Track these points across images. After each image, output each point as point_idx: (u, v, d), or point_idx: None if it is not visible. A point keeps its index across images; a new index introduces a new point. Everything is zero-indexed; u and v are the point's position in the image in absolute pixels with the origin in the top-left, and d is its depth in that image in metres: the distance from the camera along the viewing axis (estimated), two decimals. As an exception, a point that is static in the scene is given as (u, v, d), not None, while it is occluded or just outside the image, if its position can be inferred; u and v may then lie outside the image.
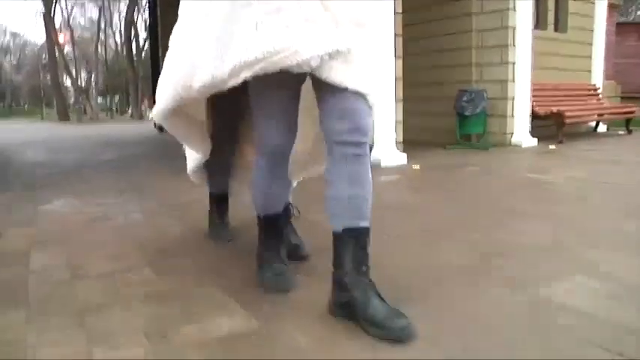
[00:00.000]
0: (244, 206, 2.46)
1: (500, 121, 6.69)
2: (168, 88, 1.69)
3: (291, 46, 1.38)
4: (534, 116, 7.11)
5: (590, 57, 8.78)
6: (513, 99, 6.64)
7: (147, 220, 2.98)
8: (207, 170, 2.40)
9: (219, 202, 2.50)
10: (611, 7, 9.85)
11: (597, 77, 8.87)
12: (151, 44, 13.88)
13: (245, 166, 2.40)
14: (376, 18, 1.60)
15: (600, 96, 8.69)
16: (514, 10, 6.48)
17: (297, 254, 2.06)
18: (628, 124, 8.46)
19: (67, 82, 37.92)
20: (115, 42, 41.28)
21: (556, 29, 8.22)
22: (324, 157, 1.73)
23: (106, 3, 35.79)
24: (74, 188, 4.19)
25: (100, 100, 44.50)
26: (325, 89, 1.51)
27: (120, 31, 37.93)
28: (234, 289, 1.80)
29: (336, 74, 1.46)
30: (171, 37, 1.77)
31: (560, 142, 6.84)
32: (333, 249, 1.55)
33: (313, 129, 1.96)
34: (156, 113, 1.80)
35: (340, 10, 1.45)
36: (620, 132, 8.54)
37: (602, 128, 8.98)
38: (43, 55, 38.76)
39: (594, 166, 4.74)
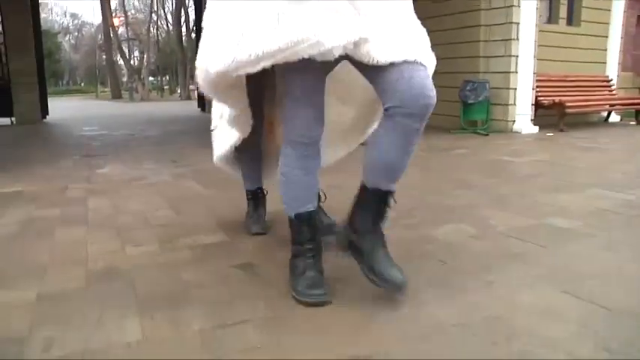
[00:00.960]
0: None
1: (504, 109, 7.30)
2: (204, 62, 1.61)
3: (313, 37, 1.37)
4: (539, 105, 7.67)
5: (605, 49, 9.17)
6: (515, 89, 7.22)
7: (173, 180, 3.86)
8: (240, 160, 2.42)
9: (256, 197, 2.48)
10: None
11: (612, 69, 9.25)
12: (197, 28, 14.88)
13: (276, 152, 2.31)
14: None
15: (613, 87, 9.09)
16: (518, 6, 7.04)
17: (332, 231, 2.06)
18: (638, 115, 8.86)
19: (122, 61, 39.65)
20: (167, 23, 42.72)
21: (569, 23, 8.66)
22: (354, 137, 2.05)
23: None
24: (121, 157, 5.14)
25: (151, 79, 46.23)
26: (375, 69, 1.50)
27: (172, 12, 39.23)
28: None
29: (377, 54, 1.46)
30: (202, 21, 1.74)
31: (562, 130, 7.38)
32: (357, 194, 1.65)
33: (336, 109, 1.97)
34: (199, 65, 1.66)
35: (363, 3, 1.45)
36: (631, 122, 8.94)
37: (616, 118, 9.38)
38: (99, 36, 40.57)
39: (568, 152, 5.35)
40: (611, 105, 8.84)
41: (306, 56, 1.41)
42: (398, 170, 1.59)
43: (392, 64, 1.47)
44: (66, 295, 1.69)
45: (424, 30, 1.58)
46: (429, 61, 1.55)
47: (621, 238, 2.30)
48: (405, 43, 1.49)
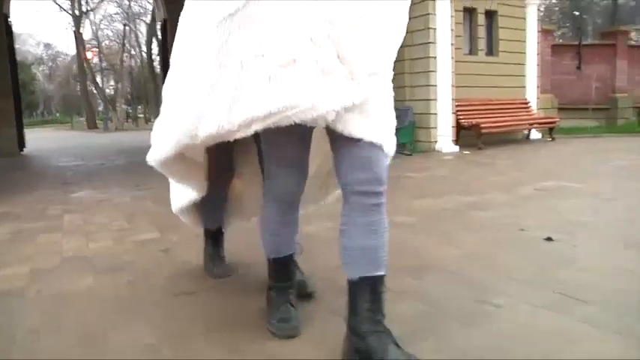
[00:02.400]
0: (238, 234, 2.72)
1: (427, 131, 8.45)
2: (169, 137, 1.62)
3: (307, 101, 1.34)
4: (461, 127, 8.84)
5: (523, 75, 10.43)
6: (436, 114, 8.39)
7: (132, 201, 4.85)
8: (202, 207, 2.35)
9: (215, 236, 2.48)
10: (546, 32, 11.47)
11: (531, 92, 10.51)
12: (162, 61, 15.85)
13: (235, 198, 2.47)
14: (390, 66, 1.54)
15: (532, 108, 10.34)
16: (435, 43, 8.24)
17: (303, 291, 2.05)
18: (551, 132, 10.10)
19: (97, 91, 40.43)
20: (141, 53, 43.65)
21: (489, 54, 9.91)
22: (329, 187, 2.07)
23: (130, 19, 38.09)
24: (92, 184, 6.11)
25: (126, 107, 46.95)
26: (342, 140, 1.51)
27: (144, 42, 40.20)
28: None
29: (353, 126, 1.46)
30: (165, 82, 1.73)
31: (480, 148, 8.55)
32: (348, 295, 1.57)
33: (315, 161, 1.94)
34: (153, 159, 1.74)
35: (357, 61, 1.40)
36: (549, 139, 10.17)
37: (537, 135, 10.61)
38: (74, 66, 41.32)
39: (464, 167, 6.47)
40: (530, 124, 10.09)
41: (297, 121, 1.37)
42: (375, 252, 1.53)
43: (361, 140, 1.48)
44: (48, 269, 2.68)
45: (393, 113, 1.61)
46: (391, 147, 1.56)
47: (434, 227, 3.35)
48: (380, 123, 1.51)
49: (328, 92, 1.37)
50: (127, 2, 36.08)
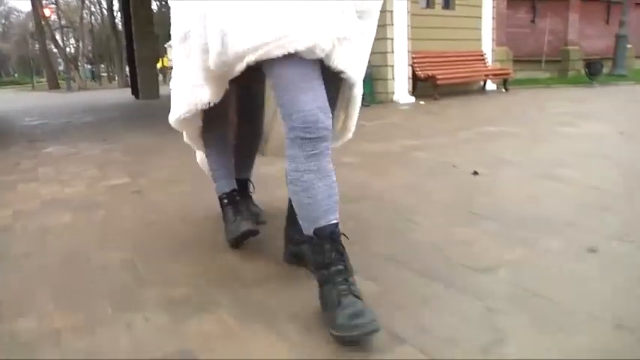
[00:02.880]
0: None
1: (384, 83, 8.81)
2: (194, 80, 1.79)
3: (302, 29, 1.38)
4: (418, 79, 9.22)
5: (479, 28, 10.79)
6: (393, 66, 8.73)
7: (102, 153, 5.12)
8: (208, 147, 2.22)
9: (231, 202, 2.16)
10: (501, -16, 11.81)
11: (487, 45, 10.90)
12: (124, 17, 15.59)
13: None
14: (378, 10, 1.62)
15: (487, 60, 10.75)
16: (392, -2, 8.51)
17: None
18: (505, 83, 10.56)
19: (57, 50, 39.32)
20: (101, 10, 42.38)
21: (445, 7, 10.22)
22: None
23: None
24: (60, 140, 6.32)
25: (89, 67, 45.83)
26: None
27: (104, -2, 39.02)
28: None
29: (342, 61, 1.49)
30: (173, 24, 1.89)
31: (435, 99, 8.96)
32: (288, 208, 1.83)
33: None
34: (175, 120, 2.02)
35: (348, 4, 1.47)
36: (502, 90, 10.64)
37: (492, 87, 11.07)
38: (30, 24, 39.96)
39: (415, 116, 6.90)
40: (486, 76, 10.52)
41: (291, 51, 1.38)
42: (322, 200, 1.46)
43: (339, 78, 1.57)
44: (30, 210, 2.99)
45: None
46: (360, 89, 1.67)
47: (376, 165, 3.75)
48: (361, 62, 1.59)
49: (323, 22, 1.40)
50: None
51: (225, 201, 2.18)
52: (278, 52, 1.38)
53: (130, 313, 1.60)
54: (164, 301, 1.68)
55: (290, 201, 1.66)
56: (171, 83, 2.00)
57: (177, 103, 1.95)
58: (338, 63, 1.48)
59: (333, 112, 1.59)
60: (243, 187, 2.41)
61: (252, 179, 2.51)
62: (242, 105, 2.28)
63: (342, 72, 1.51)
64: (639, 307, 1.51)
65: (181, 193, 3.19)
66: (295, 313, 1.55)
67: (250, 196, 2.48)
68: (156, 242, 2.32)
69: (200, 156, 2.43)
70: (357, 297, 1.39)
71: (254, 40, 1.39)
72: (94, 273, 1.98)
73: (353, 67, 1.53)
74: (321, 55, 1.43)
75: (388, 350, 1.33)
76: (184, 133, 2.25)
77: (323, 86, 1.48)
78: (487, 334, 1.38)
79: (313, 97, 1.43)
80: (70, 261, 2.12)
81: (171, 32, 1.90)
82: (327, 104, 1.47)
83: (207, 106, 1.87)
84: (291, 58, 1.40)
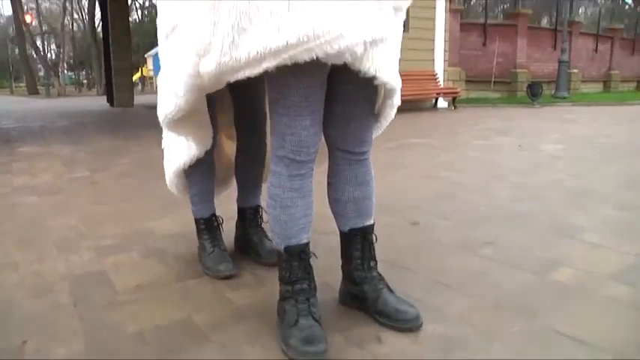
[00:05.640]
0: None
1: (339, 99, 9.57)
2: (175, 87, 1.51)
3: (335, 29, 1.16)
4: (371, 96, 10.01)
5: (432, 50, 11.68)
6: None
7: (71, 153, 5.80)
8: (189, 178, 2.01)
9: (208, 228, 2.06)
10: (455, 10, 12.76)
11: (439, 65, 11.79)
12: (103, 28, 16.23)
13: (226, 165, 2.21)
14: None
15: (438, 80, 11.64)
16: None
17: (260, 256, 2.06)
18: (454, 101, 11.45)
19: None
20: (83, 17, 42.69)
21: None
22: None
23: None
24: (36, 141, 6.98)
25: (69, 73, 46.06)
26: (353, 86, 1.42)
27: (86, 4, 39.36)
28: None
29: (372, 65, 1.31)
30: (161, 16, 1.59)
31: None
32: (340, 245, 1.64)
33: None
34: (164, 114, 1.62)
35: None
36: (452, 108, 11.52)
37: (444, 104, 11.94)
38: (10, 29, 40.14)
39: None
40: (437, 94, 11.40)
41: (321, 55, 1.18)
42: (363, 203, 1.55)
43: (377, 86, 1.42)
44: (1, 193, 3.67)
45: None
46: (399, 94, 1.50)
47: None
48: (394, 64, 1.41)
49: (358, 20, 1.20)
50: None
51: (202, 227, 2.06)
52: (305, 57, 1.18)
53: (68, 253, 2.32)
54: (94, 247, 2.40)
55: (343, 235, 1.61)
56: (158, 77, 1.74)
57: (160, 103, 1.67)
58: (370, 67, 1.30)
59: (365, 129, 1.52)
60: (252, 216, 2.15)
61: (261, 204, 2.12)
62: (242, 117, 2.04)
63: (375, 77, 1.33)
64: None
65: (129, 183, 3.91)
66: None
67: (262, 229, 2.12)
68: (100, 214, 3.03)
69: (170, 179, 2.05)
70: (316, 319, 1.42)
71: (277, 39, 1.16)
72: (47, 231, 2.69)
73: (388, 71, 1.35)
74: (348, 59, 1.26)
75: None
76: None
77: (323, 101, 1.42)
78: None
79: (311, 121, 1.38)
80: (30, 226, 2.82)
81: (157, 27, 1.64)
82: (321, 124, 1.45)
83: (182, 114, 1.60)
84: (306, 65, 1.22)
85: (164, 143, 2.02)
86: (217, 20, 1.25)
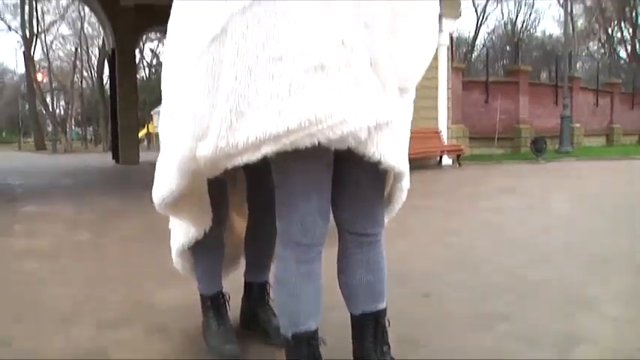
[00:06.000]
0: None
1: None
2: (171, 170, 1.41)
3: (338, 114, 1.11)
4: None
5: (436, 108, 11.82)
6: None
7: (74, 214, 5.77)
8: (195, 254, 1.89)
9: (214, 306, 1.96)
10: (457, 69, 13.01)
11: (442, 123, 11.89)
12: (111, 88, 16.56)
13: (236, 243, 2.12)
14: (417, 82, 1.40)
15: (442, 137, 11.71)
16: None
17: (269, 336, 1.94)
18: (458, 159, 11.48)
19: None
20: (92, 75, 43.69)
21: (403, 89, 11.24)
22: None
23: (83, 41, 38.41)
24: (40, 200, 6.98)
25: (76, 129, 46.77)
26: (358, 169, 1.35)
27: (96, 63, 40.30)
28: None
29: (387, 149, 1.24)
30: (161, 112, 1.53)
31: (390, 171, 9.77)
32: (351, 328, 1.55)
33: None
34: (158, 198, 1.49)
35: (390, 72, 1.24)
36: (457, 165, 11.54)
37: (448, 161, 11.96)
38: (23, 85, 41.11)
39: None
40: (441, 152, 11.44)
41: (323, 140, 1.13)
42: (374, 286, 1.48)
43: (384, 171, 1.35)
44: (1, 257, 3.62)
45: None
46: (407, 175, 1.43)
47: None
48: (403, 147, 1.36)
49: (362, 104, 1.16)
50: (80, 24, 36.55)
51: (208, 304, 1.96)
52: (307, 142, 1.13)
53: (68, 328, 2.23)
54: (95, 321, 2.31)
55: (354, 318, 1.53)
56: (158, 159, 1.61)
57: (156, 186, 1.54)
58: (374, 152, 1.23)
59: (375, 212, 1.47)
60: (259, 292, 2.07)
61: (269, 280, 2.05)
62: (254, 192, 1.97)
63: (380, 162, 1.26)
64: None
65: (132, 249, 3.84)
66: None
67: (270, 307, 2.01)
68: (101, 283, 2.95)
69: (175, 259, 1.96)
70: None
71: (277, 124, 1.12)
72: (46, 301, 2.60)
73: (394, 155, 1.28)
74: (352, 144, 1.20)
75: None
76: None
77: (330, 182, 1.37)
78: None
79: (318, 204, 1.34)
80: (29, 293, 2.73)
81: (161, 109, 1.56)
82: (329, 206, 1.40)
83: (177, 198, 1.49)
84: (308, 149, 1.17)
85: (170, 224, 1.92)
86: (215, 103, 1.19)
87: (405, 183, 1.46)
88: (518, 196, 6.45)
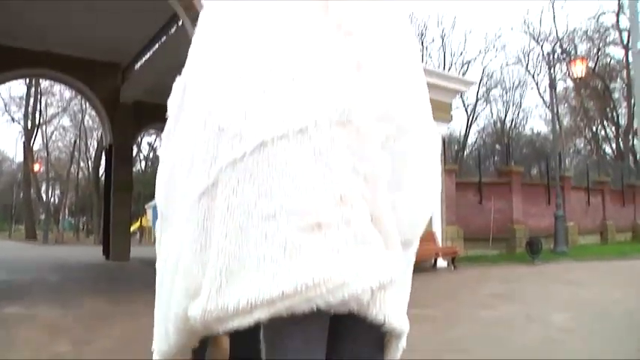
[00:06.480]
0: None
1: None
2: (167, 325, 1.27)
3: (338, 277, 1.01)
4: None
5: (430, 209, 11.83)
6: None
7: (58, 317, 5.52)
8: None
9: None
10: (450, 171, 13.21)
11: (437, 224, 11.86)
12: (106, 183, 16.64)
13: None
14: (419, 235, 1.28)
15: (437, 240, 11.62)
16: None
17: None
18: (453, 261, 11.34)
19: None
20: (88, 167, 44.09)
21: (398, 190, 11.33)
22: None
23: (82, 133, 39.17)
24: (22, 300, 6.70)
25: (69, 218, 46.56)
26: (360, 331, 1.21)
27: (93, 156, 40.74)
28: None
29: (380, 310, 1.11)
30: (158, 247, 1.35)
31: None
32: None
33: None
34: (159, 354, 1.33)
35: (392, 226, 1.13)
36: (452, 268, 11.37)
37: (443, 264, 11.78)
38: (19, 174, 41.35)
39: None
40: (436, 254, 11.32)
41: (322, 305, 1.02)
42: None
43: (383, 335, 1.21)
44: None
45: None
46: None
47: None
48: (404, 305, 1.27)
49: (363, 263, 1.06)
50: (81, 116, 37.38)
51: None
52: (304, 307, 1.03)
53: None
54: None
55: None
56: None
57: (156, 337, 1.37)
58: (377, 313, 1.12)
59: None
60: None
61: None
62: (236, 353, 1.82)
63: (382, 324, 1.14)
64: None
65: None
66: None
67: None
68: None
69: None
70: None
71: (271, 288, 1.02)
72: None
73: (398, 315, 1.18)
74: (354, 308, 1.09)
75: None
76: None
77: (325, 342, 1.23)
78: None
79: None
80: None
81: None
82: None
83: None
84: (304, 313, 1.06)
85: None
86: (206, 261, 1.10)
87: (403, 342, 1.30)
88: (517, 303, 6.28)
